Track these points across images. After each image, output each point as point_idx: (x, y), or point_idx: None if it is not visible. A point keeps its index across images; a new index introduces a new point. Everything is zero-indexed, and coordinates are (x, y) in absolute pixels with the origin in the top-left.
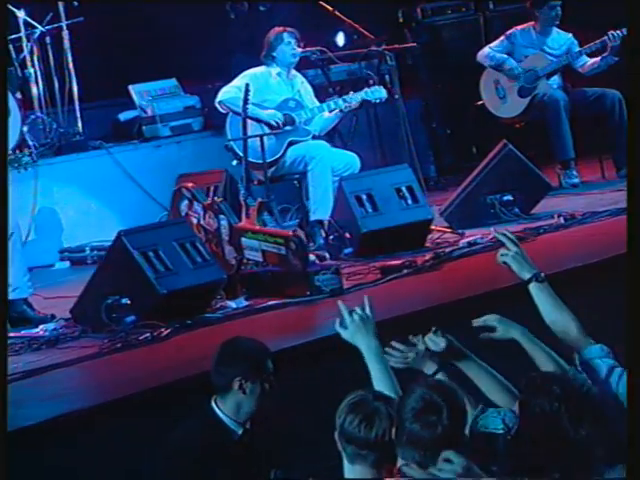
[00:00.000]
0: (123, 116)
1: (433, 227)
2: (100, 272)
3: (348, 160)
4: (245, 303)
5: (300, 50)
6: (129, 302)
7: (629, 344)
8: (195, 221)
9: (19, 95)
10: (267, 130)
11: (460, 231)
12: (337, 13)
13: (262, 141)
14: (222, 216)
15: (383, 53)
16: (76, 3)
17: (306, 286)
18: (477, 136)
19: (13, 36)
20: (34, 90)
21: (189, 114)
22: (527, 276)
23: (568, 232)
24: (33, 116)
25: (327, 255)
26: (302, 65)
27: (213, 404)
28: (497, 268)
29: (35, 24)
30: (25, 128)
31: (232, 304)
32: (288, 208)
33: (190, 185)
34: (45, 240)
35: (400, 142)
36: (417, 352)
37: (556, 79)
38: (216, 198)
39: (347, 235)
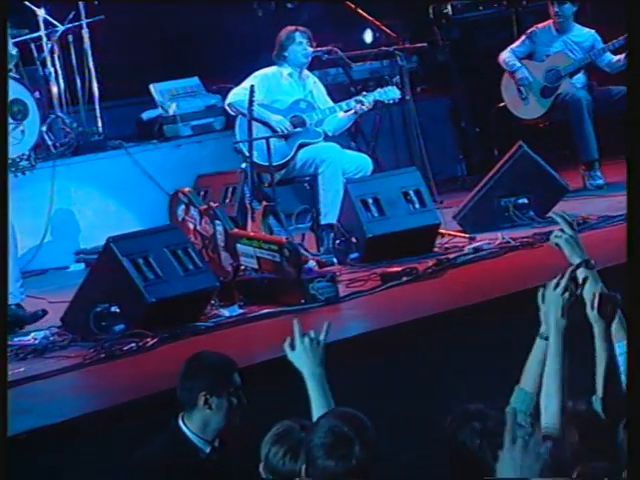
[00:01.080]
0: (146, 115)
1: (444, 231)
2: (89, 279)
3: (360, 162)
4: (239, 311)
5: (312, 50)
6: (118, 310)
7: (629, 345)
8: (192, 226)
9: (37, 94)
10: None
11: (472, 235)
12: (359, 11)
13: (268, 143)
14: (218, 221)
15: (394, 53)
16: (97, 2)
17: (301, 294)
18: (500, 137)
19: (33, 35)
20: (54, 89)
21: (211, 113)
22: (577, 261)
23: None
24: (53, 115)
25: (335, 260)
26: (324, 64)
27: (180, 421)
28: (498, 276)
29: (55, 22)
30: (44, 128)
31: (225, 312)
32: (307, 209)
33: (186, 190)
34: (61, 241)
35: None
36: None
37: (580, 77)
38: (212, 203)
39: (353, 240)
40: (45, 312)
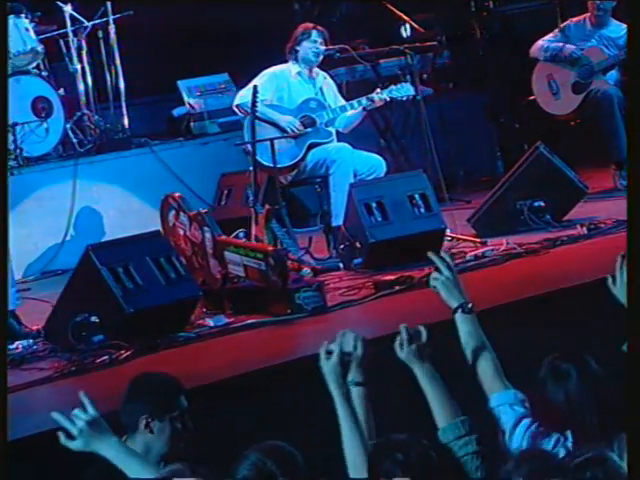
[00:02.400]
0: (177, 112)
1: (454, 235)
2: (69, 288)
3: (373, 163)
4: (225, 321)
5: (324, 49)
6: (97, 321)
7: (629, 348)
8: (182, 232)
9: (62, 92)
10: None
11: (484, 240)
12: (389, 6)
13: (272, 145)
14: (206, 228)
15: (404, 52)
16: None
17: (287, 304)
18: (532, 132)
19: (60, 31)
20: (81, 86)
21: None
22: (454, 304)
23: (587, 244)
24: (79, 113)
25: (341, 265)
26: (349, 61)
27: None
28: (495, 285)
29: (81, 19)
30: (68, 125)
31: (210, 322)
32: (316, 213)
33: (177, 195)
34: (83, 241)
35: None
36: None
37: (613, 74)
38: (201, 209)
39: (357, 244)
40: (39, 334)
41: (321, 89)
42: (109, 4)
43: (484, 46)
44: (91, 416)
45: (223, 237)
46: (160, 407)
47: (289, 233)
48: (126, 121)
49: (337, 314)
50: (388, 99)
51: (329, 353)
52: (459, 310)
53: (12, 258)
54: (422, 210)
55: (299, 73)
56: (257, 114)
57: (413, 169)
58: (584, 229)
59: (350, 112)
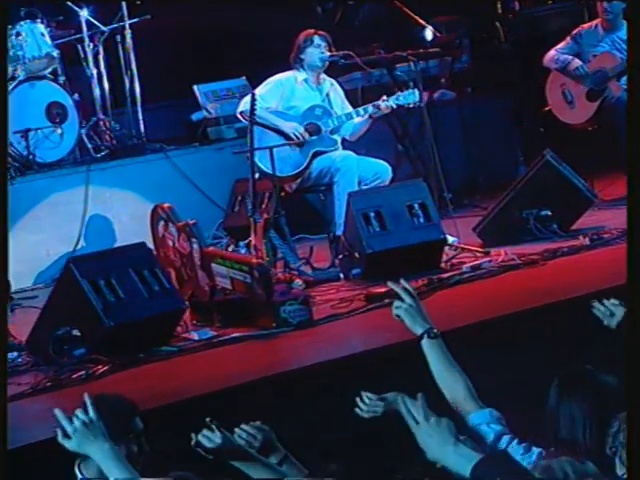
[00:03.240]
0: (195, 116)
1: (457, 245)
2: (52, 301)
3: (378, 169)
4: (210, 334)
5: (329, 54)
6: (79, 334)
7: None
8: (171, 243)
9: (77, 97)
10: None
11: (487, 250)
12: (407, 11)
13: (271, 153)
14: (194, 239)
15: (407, 59)
16: (139, 1)
17: (273, 317)
18: (553, 138)
19: (76, 36)
20: (96, 91)
21: None
22: (419, 331)
23: (587, 256)
24: (94, 118)
25: (342, 275)
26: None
27: (76, 469)
28: (488, 298)
29: (97, 24)
30: (84, 131)
31: (195, 335)
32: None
33: (166, 205)
34: (95, 248)
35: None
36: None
37: None
38: (189, 220)
39: (356, 255)
40: (22, 350)
41: (327, 96)
42: (125, 9)
43: (508, 49)
44: (89, 418)
45: (210, 249)
46: (114, 430)
47: (288, 243)
48: (142, 126)
49: (324, 328)
50: (395, 106)
51: None
52: (425, 336)
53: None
54: (421, 220)
55: (305, 80)
56: (262, 121)
57: (431, 175)
58: (586, 240)
59: (357, 120)
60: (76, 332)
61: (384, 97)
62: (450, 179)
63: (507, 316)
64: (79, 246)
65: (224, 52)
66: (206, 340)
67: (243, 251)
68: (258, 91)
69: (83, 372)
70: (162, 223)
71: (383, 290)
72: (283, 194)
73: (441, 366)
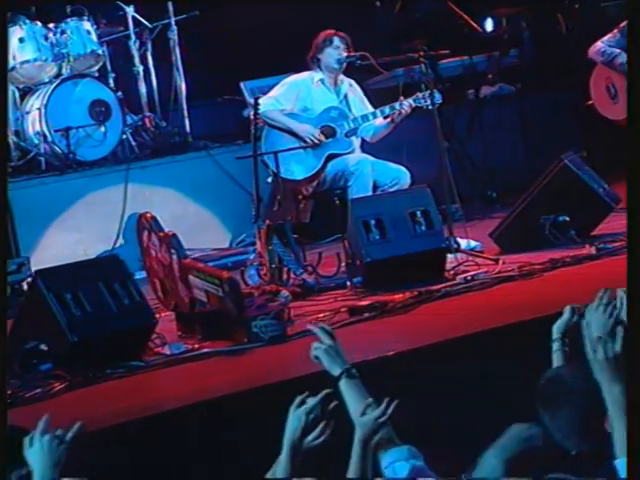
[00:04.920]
0: (246, 112)
1: (466, 251)
2: (21, 314)
3: (396, 174)
4: (183, 348)
5: (345, 55)
6: (46, 349)
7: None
8: (154, 254)
9: (120, 94)
10: (302, 143)
11: (496, 257)
12: (453, 7)
13: (276, 157)
14: (173, 250)
15: (418, 61)
16: None
17: (244, 332)
18: (587, 139)
19: (123, 33)
20: (142, 88)
21: None
22: (337, 371)
23: (588, 267)
24: (140, 115)
25: (348, 283)
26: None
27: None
28: (473, 312)
29: (143, 21)
30: (128, 128)
31: (167, 350)
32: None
33: (149, 215)
34: (134, 247)
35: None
36: None
37: None
38: (168, 231)
39: (357, 262)
40: None
41: (345, 97)
42: (171, 5)
43: (571, 40)
44: (62, 438)
45: (188, 260)
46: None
47: (293, 249)
48: (187, 123)
49: (297, 343)
50: (413, 107)
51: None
52: (343, 376)
53: None
54: (423, 228)
55: (322, 81)
56: (276, 124)
57: (476, 171)
58: (592, 249)
59: (378, 121)
60: (43, 347)
61: (402, 97)
62: (501, 176)
63: (471, 336)
64: (118, 244)
65: (271, 48)
66: (177, 355)
67: (252, 257)
68: (273, 93)
69: (39, 390)
70: (146, 233)
71: (366, 303)
72: (301, 197)
73: (360, 405)
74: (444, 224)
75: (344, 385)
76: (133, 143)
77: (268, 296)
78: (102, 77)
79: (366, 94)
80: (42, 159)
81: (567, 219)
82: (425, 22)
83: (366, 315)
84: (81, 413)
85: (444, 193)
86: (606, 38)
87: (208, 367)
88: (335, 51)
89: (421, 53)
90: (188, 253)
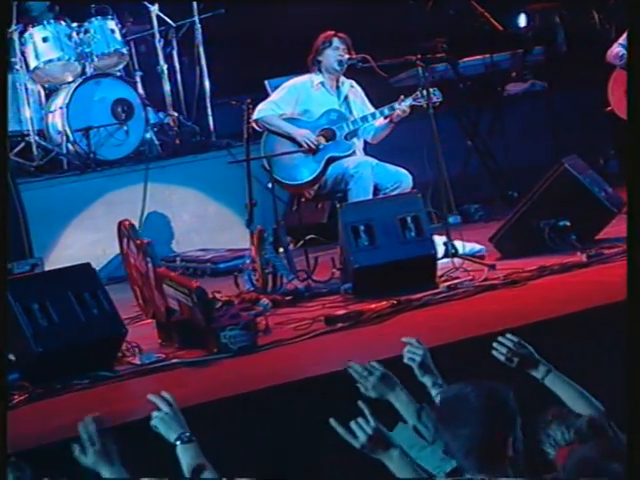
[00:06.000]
0: None
1: (464, 256)
2: None
3: (398, 178)
4: (154, 358)
5: (347, 57)
6: (14, 359)
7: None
8: (132, 261)
9: (143, 93)
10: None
11: (491, 264)
12: (475, 5)
13: (269, 162)
14: (149, 259)
15: (415, 64)
16: None
17: (215, 342)
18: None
19: (147, 32)
20: (166, 87)
21: None
22: (173, 437)
23: (572, 276)
24: (163, 114)
25: (340, 289)
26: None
27: None
28: (449, 322)
29: (167, 19)
30: (151, 127)
31: (137, 360)
32: None
33: (127, 223)
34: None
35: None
36: None
37: None
38: (144, 239)
39: (348, 268)
40: None
41: (346, 99)
42: (195, 5)
43: (605, 37)
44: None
45: (161, 269)
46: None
47: (286, 254)
48: (211, 121)
49: (265, 355)
50: (410, 107)
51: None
52: (178, 442)
53: None
54: (412, 234)
55: (322, 83)
56: (274, 129)
57: (499, 170)
58: (584, 256)
59: (378, 122)
60: (11, 357)
61: (401, 97)
62: (526, 175)
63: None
64: None
65: (296, 46)
66: (147, 365)
67: (248, 261)
68: (272, 97)
69: None
70: (125, 240)
71: (342, 312)
72: (303, 200)
73: (198, 469)
74: (443, 228)
75: (180, 450)
76: (157, 142)
77: (246, 305)
78: (127, 76)
79: (367, 95)
80: (64, 159)
81: (568, 224)
82: (457, 19)
83: (339, 325)
84: (41, 425)
85: (463, 194)
86: (622, 40)
87: (179, 377)
88: (335, 52)
89: (418, 56)
90: (192, 254)
